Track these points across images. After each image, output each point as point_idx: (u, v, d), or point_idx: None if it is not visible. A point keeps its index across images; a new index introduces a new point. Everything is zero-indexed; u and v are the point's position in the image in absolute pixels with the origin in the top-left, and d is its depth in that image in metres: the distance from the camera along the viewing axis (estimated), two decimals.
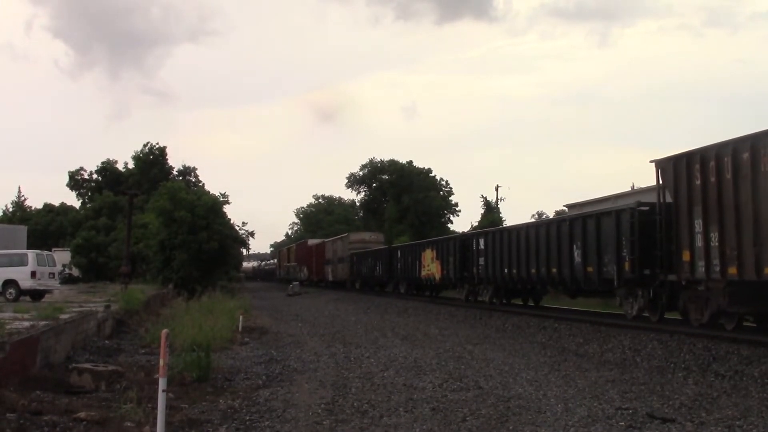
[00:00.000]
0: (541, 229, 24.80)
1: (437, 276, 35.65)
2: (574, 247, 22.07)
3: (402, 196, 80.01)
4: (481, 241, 30.01)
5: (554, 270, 23.44)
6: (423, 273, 38.21)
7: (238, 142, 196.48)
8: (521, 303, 29.77)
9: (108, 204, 65.22)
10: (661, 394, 11.60)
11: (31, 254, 28.83)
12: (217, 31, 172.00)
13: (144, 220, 48.05)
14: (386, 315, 30.62)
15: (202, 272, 41.94)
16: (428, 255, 37.22)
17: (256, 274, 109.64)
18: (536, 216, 68.09)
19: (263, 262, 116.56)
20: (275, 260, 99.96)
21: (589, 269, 21.22)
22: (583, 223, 21.65)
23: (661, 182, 18.14)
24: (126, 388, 11.21)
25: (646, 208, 18.94)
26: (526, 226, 26.65)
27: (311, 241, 71.93)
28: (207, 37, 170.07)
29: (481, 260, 29.77)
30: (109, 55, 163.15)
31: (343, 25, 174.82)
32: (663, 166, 18.00)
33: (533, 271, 24.95)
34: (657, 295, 19.00)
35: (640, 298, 19.63)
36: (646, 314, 19.69)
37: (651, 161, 18.54)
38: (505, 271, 27.30)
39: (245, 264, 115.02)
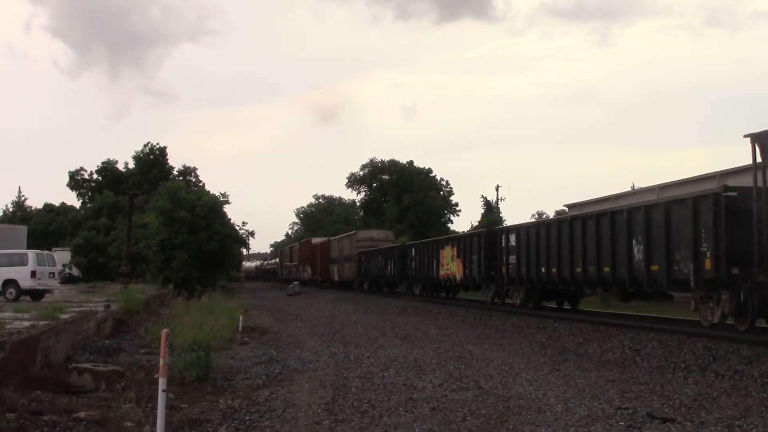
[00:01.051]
0: (590, 222, 21.65)
1: (458, 276, 32.58)
2: (634, 242, 19.12)
3: (402, 196, 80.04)
4: (512, 237, 27.02)
5: (606, 269, 20.39)
6: (441, 273, 35.11)
7: (238, 142, 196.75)
8: (555, 306, 27.09)
9: (108, 204, 65.24)
10: (661, 394, 11.60)
11: (31, 254, 28.84)
12: (216, 31, 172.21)
13: (144, 220, 48.08)
14: (386, 315, 30.62)
15: (202, 272, 41.97)
16: (448, 253, 34.09)
17: (259, 274, 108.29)
18: (536, 216, 68.05)
19: (265, 262, 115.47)
20: (277, 260, 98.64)
21: (654, 268, 18.28)
22: (647, 214, 18.67)
23: (759, 160, 14.88)
24: (126, 388, 11.21)
25: (734, 194, 15.90)
26: (570, 219, 23.62)
27: (315, 240, 69.88)
28: (207, 37, 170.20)
29: (512, 258, 26.87)
30: (108, 55, 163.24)
31: (343, 25, 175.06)
32: (764, 140, 14.63)
33: (578, 270, 21.96)
34: (747, 299, 15.63)
35: (725, 303, 16.28)
36: (730, 322, 16.58)
37: (746, 135, 15.09)
38: (542, 270, 24.32)
39: (248, 264, 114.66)
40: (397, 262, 43.19)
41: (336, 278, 59.60)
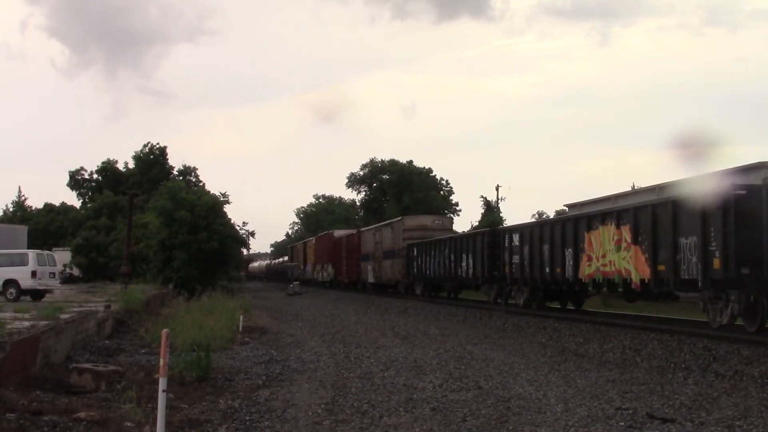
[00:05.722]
0: None
1: (634, 276, 19.39)
2: None
3: (402, 195, 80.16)
4: None
5: None
6: (587, 270, 21.90)
7: (238, 142, 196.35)
8: None
9: (108, 204, 65.24)
10: (661, 394, 11.60)
11: (31, 254, 28.83)
12: (215, 31, 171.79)
13: (144, 220, 48.06)
14: (386, 315, 30.59)
15: (203, 272, 41.96)
16: (605, 236, 21.00)
17: (271, 275, 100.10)
18: (536, 216, 67.95)
19: (274, 261, 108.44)
20: (285, 258, 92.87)
21: None
22: None
23: None
24: (126, 388, 11.22)
25: None
26: None
27: (339, 232, 59.67)
28: (205, 37, 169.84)
29: None
30: (105, 55, 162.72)
31: (342, 25, 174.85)
32: None
33: None
34: None
35: None
36: None
37: None
38: None
39: (259, 262, 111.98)
40: (479, 257, 30.30)
41: (370, 279, 48.04)
